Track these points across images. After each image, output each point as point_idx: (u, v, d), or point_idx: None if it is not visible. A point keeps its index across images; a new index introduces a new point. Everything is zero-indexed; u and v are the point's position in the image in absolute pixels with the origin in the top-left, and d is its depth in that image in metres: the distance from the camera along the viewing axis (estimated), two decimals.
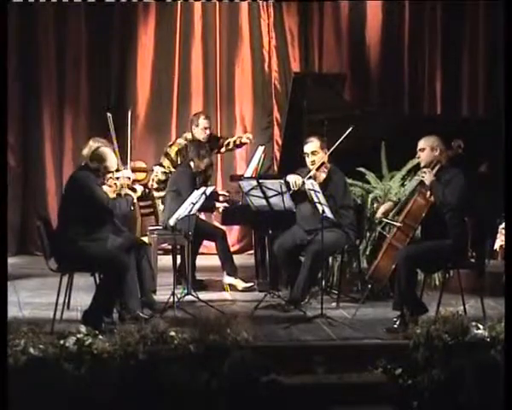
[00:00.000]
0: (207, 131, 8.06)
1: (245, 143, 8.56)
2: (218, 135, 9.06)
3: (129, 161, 7.28)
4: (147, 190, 7.92)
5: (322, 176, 6.94)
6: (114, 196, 6.38)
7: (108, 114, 7.22)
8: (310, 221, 6.91)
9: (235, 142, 8.45)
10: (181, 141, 8.17)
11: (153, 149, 9.94)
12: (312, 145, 6.96)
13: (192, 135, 8.09)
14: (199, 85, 10.22)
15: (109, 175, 6.32)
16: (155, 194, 8.21)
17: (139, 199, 7.42)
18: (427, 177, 6.32)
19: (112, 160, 6.35)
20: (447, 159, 6.40)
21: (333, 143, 7.02)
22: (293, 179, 6.93)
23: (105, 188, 6.32)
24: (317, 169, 6.93)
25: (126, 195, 6.46)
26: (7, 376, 4.84)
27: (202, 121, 8.07)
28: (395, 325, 6.12)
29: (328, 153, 6.98)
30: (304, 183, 6.84)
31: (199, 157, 7.59)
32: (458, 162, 6.48)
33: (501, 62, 9.55)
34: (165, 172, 8.06)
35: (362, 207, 7.36)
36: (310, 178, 6.82)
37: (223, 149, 8.53)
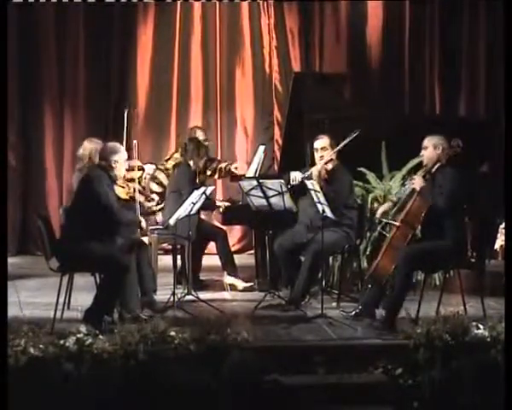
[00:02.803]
0: (206, 143, 8.02)
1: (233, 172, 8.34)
2: (217, 157, 9.04)
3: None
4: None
5: (329, 166, 6.93)
6: (127, 197, 6.36)
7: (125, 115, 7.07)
8: (313, 218, 6.89)
9: (225, 168, 8.31)
10: (177, 156, 8.15)
11: (152, 149, 9.94)
12: (322, 141, 6.98)
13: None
14: (198, 85, 10.23)
15: (120, 171, 6.30)
16: (148, 204, 8.05)
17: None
18: (417, 183, 6.33)
19: (122, 153, 6.32)
20: (447, 158, 6.40)
21: (334, 142, 7.02)
22: (293, 176, 7.02)
23: (116, 188, 6.30)
24: (325, 162, 6.93)
25: (141, 203, 6.44)
26: (7, 376, 4.84)
27: (200, 133, 8.03)
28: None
29: (336, 150, 6.95)
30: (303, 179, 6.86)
31: (198, 155, 7.60)
32: (457, 161, 6.48)
33: (500, 62, 9.56)
34: (160, 184, 8.07)
35: (362, 207, 7.35)
36: (313, 174, 6.83)
37: (216, 175, 8.41)
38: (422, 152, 6.44)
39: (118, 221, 6.23)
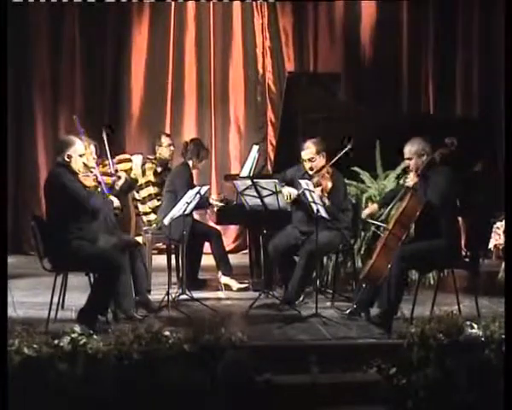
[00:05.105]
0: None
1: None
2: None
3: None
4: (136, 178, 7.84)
5: (329, 185, 6.81)
6: (94, 183, 6.35)
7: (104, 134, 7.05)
8: (305, 222, 6.89)
9: None
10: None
11: (146, 148, 9.91)
12: (308, 152, 6.91)
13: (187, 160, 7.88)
14: (192, 85, 10.23)
15: (77, 164, 6.18)
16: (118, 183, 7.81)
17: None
18: (410, 179, 6.32)
19: (75, 145, 6.20)
20: (440, 156, 6.37)
21: (328, 142, 6.99)
22: (288, 192, 6.88)
23: (81, 179, 6.25)
24: (322, 177, 6.87)
25: (109, 184, 6.43)
26: (7, 376, 4.83)
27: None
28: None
29: (325, 159, 6.90)
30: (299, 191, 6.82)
31: (198, 157, 7.59)
32: (452, 160, 6.46)
33: (494, 62, 9.59)
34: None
35: (356, 207, 7.35)
36: (312, 185, 6.76)
37: None
38: (408, 162, 6.39)
39: (92, 209, 6.17)
